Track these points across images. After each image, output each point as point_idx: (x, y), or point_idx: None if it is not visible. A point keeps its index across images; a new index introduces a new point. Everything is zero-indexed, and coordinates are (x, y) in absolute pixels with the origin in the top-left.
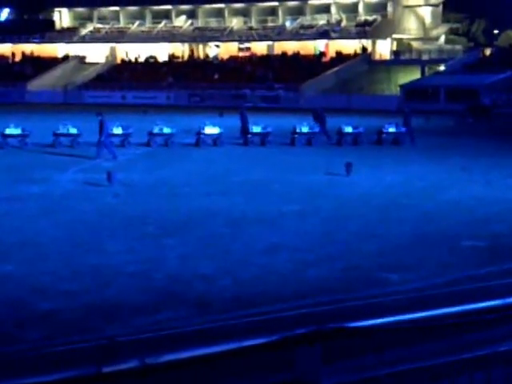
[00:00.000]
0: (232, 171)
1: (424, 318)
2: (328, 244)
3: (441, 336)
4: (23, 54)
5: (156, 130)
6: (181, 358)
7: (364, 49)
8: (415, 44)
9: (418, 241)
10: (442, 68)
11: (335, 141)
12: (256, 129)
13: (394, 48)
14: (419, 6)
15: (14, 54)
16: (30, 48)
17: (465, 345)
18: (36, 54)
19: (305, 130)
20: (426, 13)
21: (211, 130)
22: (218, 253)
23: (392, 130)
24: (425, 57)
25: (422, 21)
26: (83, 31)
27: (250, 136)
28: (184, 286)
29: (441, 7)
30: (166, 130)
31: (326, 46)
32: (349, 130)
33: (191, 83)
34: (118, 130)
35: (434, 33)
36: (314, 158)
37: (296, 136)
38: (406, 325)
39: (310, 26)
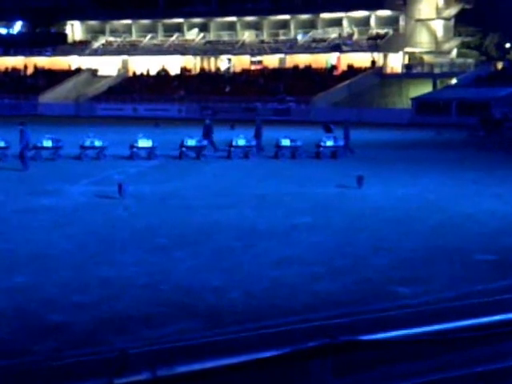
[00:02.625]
0: (242, 184)
1: (435, 332)
2: (339, 257)
3: (452, 349)
4: (35, 66)
5: (87, 143)
6: (192, 370)
7: (375, 62)
8: (427, 57)
9: (430, 254)
10: (453, 81)
11: (272, 154)
12: (285, 142)
13: (406, 61)
14: (431, 19)
15: (26, 67)
16: (42, 61)
17: (476, 358)
18: (48, 66)
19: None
20: (438, 26)
21: (145, 143)
22: (229, 265)
23: (330, 143)
24: (436, 70)
25: (433, 34)
26: (95, 44)
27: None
28: (194, 299)
29: (453, 21)
30: (98, 143)
31: (338, 59)
32: (286, 143)
33: (203, 96)
34: (47, 143)
35: (446, 46)
36: (324, 170)
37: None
38: (417, 338)
39: (322, 40)
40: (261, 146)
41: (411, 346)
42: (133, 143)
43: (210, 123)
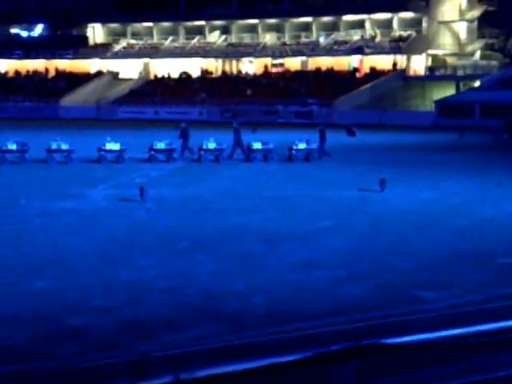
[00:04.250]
0: (264, 187)
1: (459, 336)
2: (362, 261)
3: (475, 354)
4: (57, 69)
5: (54, 146)
6: (215, 373)
7: (397, 64)
8: (450, 60)
9: (453, 258)
10: (477, 84)
11: (244, 157)
12: (256, 145)
13: (429, 64)
14: (454, 21)
15: (47, 70)
16: (63, 64)
17: (502, 362)
18: (69, 69)
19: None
20: (461, 28)
21: (112, 146)
22: (251, 269)
23: (302, 146)
24: (460, 72)
25: (457, 36)
26: (116, 47)
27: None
28: (216, 302)
29: (476, 22)
30: (64, 146)
31: (360, 61)
32: (258, 146)
33: (224, 99)
34: (12, 146)
35: (470, 48)
36: (347, 173)
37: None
38: (441, 342)
39: (344, 42)
40: (235, 152)
41: (435, 350)
42: (100, 146)
43: (186, 126)
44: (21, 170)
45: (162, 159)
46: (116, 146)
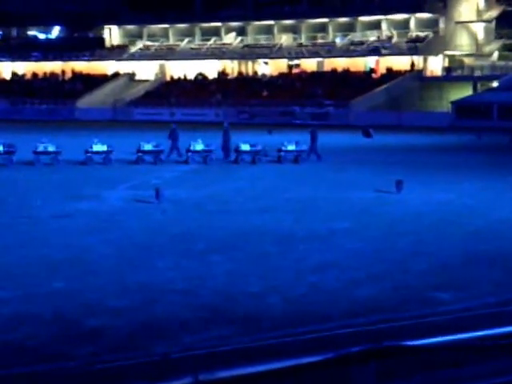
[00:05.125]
0: (280, 188)
1: (477, 338)
2: (378, 262)
3: (493, 356)
4: (73, 71)
5: (40, 149)
6: (234, 375)
7: (414, 65)
8: (467, 60)
9: (470, 259)
10: (494, 84)
11: (232, 159)
12: (244, 147)
13: (446, 64)
14: (472, 21)
15: (63, 72)
16: (80, 66)
17: None
18: (86, 71)
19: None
20: (479, 29)
21: (99, 147)
22: (267, 270)
23: (291, 148)
24: (477, 73)
25: (474, 37)
26: (133, 48)
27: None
28: (232, 304)
29: (494, 23)
30: (51, 148)
31: (377, 62)
32: (246, 147)
33: (240, 100)
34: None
35: (487, 49)
36: (363, 174)
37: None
38: (459, 344)
39: (361, 43)
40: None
41: (454, 352)
42: (87, 148)
43: (175, 127)
44: (34, 171)
45: (150, 161)
46: (103, 148)
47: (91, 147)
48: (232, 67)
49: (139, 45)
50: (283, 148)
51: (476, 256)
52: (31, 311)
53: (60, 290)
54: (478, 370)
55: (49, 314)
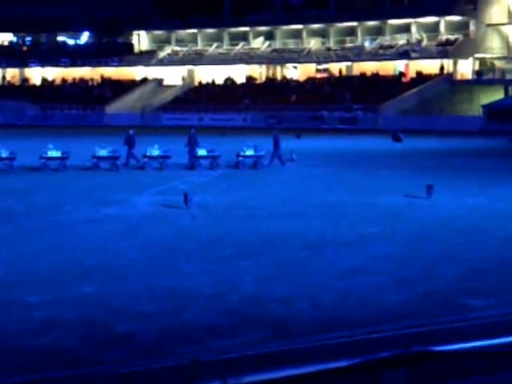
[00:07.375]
0: (307, 193)
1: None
2: (408, 267)
3: None
4: (102, 77)
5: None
6: (262, 379)
7: (444, 68)
8: (498, 63)
9: (501, 265)
10: None
11: (190, 165)
12: (201, 152)
13: (477, 67)
14: (503, 24)
15: (93, 78)
16: (108, 71)
17: None
18: (115, 77)
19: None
20: (510, 31)
21: (54, 153)
22: (296, 276)
23: (250, 153)
24: (508, 76)
25: (505, 39)
26: (161, 54)
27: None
28: (261, 309)
29: None
30: (57, 154)
31: (406, 66)
32: (203, 153)
33: (268, 105)
34: (55, 153)
35: None
36: (394, 179)
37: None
38: (491, 350)
39: (390, 46)
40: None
41: (485, 359)
42: (42, 154)
43: (133, 133)
44: (62, 176)
45: (106, 167)
46: (57, 154)
47: (45, 153)
48: (260, 72)
49: (167, 50)
50: (241, 153)
51: (507, 261)
52: (61, 316)
53: (90, 294)
54: (509, 377)
55: (78, 318)
